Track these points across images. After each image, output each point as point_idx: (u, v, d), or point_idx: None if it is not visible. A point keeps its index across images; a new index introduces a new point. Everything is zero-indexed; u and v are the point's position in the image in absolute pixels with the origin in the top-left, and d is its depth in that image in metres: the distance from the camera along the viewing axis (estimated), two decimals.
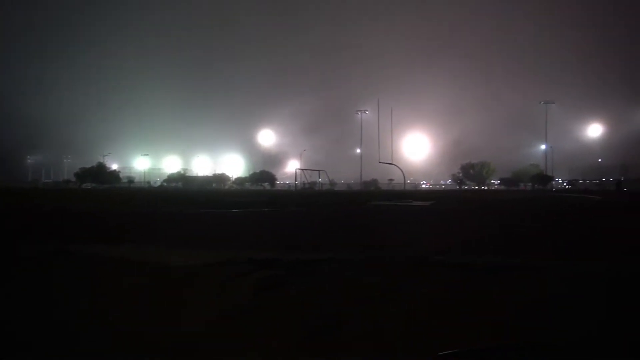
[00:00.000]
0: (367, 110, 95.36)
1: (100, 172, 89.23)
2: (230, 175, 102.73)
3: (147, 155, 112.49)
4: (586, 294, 4.11)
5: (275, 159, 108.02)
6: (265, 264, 5.49)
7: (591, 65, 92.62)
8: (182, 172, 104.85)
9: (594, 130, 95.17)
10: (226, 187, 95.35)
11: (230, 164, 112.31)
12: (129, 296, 4.34)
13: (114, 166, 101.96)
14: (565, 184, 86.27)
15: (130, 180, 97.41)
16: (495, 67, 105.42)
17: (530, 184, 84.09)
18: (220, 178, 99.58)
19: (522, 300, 3.93)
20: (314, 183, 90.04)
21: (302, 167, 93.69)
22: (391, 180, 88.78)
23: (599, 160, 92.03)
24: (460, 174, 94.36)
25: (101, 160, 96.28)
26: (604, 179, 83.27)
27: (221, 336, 3.27)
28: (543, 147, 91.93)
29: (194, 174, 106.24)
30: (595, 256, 6.61)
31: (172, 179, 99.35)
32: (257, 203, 23.48)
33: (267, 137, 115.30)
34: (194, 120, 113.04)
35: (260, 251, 6.42)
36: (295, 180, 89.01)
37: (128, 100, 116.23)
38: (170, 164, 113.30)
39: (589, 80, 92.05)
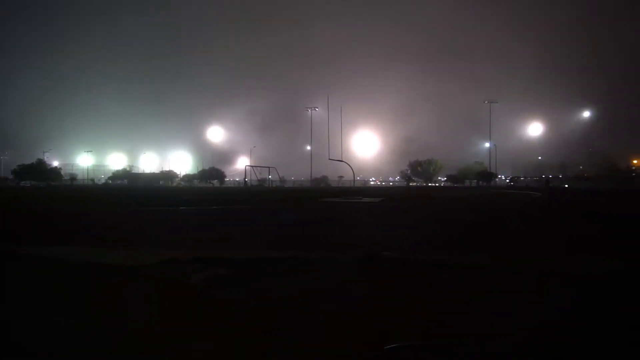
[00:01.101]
0: (317, 108, 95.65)
1: (39, 169, 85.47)
2: (178, 172, 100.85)
3: (91, 151, 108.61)
4: (523, 292, 4.20)
5: (224, 156, 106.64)
6: (212, 263, 5.35)
7: (534, 67, 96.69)
8: (128, 169, 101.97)
9: (535, 129, 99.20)
10: (174, 184, 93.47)
11: (178, 161, 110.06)
12: (65, 297, 4.10)
13: (55, 163, 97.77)
14: (508, 180, 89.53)
15: (73, 178, 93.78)
16: (444, 67, 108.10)
17: (475, 180, 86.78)
18: (168, 175, 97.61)
19: (460, 296, 3.97)
20: (263, 180, 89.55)
21: (252, 164, 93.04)
22: (341, 177, 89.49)
23: (539, 158, 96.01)
24: (409, 171, 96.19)
25: (41, 157, 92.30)
26: (543, 176, 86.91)
27: (160, 338, 3.13)
28: (487, 145, 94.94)
29: (141, 171, 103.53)
30: (540, 254, 6.81)
31: (117, 176, 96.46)
32: (205, 201, 23.08)
33: (216, 134, 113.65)
34: (141, 117, 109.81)
35: (207, 250, 6.25)
36: (245, 178, 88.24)
37: (72, 97, 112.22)
38: (115, 161, 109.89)
39: (531, 81, 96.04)
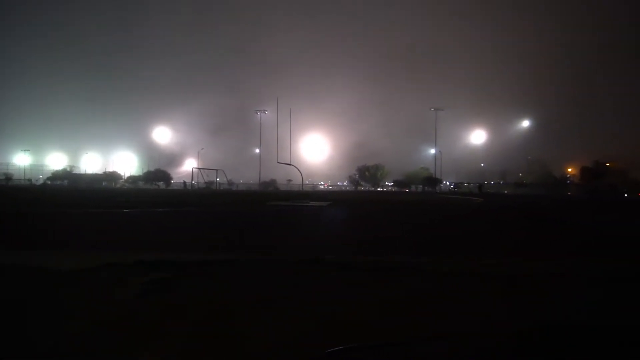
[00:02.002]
0: (266, 111, 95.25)
1: None
2: (122, 174, 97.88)
3: (28, 150, 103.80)
4: (455, 292, 4.33)
5: (171, 157, 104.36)
6: (154, 265, 5.23)
7: (479, 77, 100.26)
8: (68, 169, 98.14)
9: (479, 137, 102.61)
10: (117, 185, 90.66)
11: (123, 162, 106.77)
12: None
13: None
14: (452, 186, 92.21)
15: (8, 177, 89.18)
16: (393, 75, 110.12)
17: (420, 185, 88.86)
18: (112, 176, 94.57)
19: (395, 297, 4.06)
20: (211, 183, 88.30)
21: (200, 167, 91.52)
22: (290, 180, 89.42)
23: (482, 165, 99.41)
24: (357, 176, 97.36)
25: None
26: (485, 182, 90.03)
27: (97, 344, 3.02)
28: (433, 151, 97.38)
29: (82, 172, 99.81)
30: (477, 255, 7.04)
31: (56, 176, 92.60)
32: (149, 203, 22.51)
33: (163, 135, 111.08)
34: (84, 116, 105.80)
35: (149, 252, 6.10)
36: (192, 180, 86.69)
37: (7, 93, 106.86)
38: (55, 161, 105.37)
39: (476, 90, 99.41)
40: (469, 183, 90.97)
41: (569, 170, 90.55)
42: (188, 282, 4.60)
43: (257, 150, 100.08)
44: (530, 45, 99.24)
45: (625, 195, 53.74)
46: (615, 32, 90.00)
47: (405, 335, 3.12)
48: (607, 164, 74.56)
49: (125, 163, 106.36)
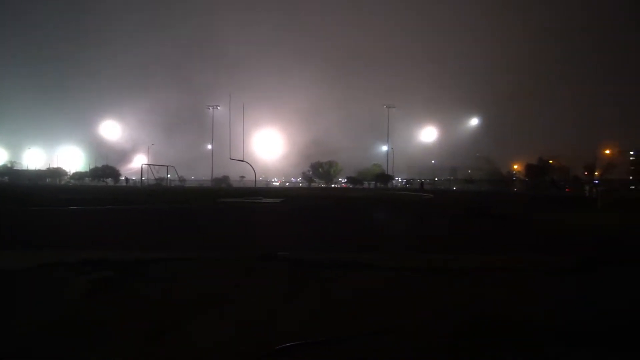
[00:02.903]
0: (219, 106, 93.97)
1: None
2: (67, 170, 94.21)
3: None
4: (406, 287, 4.44)
5: (121, 153, 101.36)
6: (101, 264, 5.10)
7: (431, 75, 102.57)
8: (9, 165, 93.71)
9: (430, 134, 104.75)
10: (62, 182, 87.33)
11: (68, 158, 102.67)
12: None
13: None
14: (404, 182, 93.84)
15: None
16: (347, 72, 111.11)
17: (373, 182, 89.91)
18: (56, 172, 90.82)
19: (345, 293, 4.12)
20: (162, 179, 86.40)
21: (150, 163, 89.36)
22: (242, 177, 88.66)
23: (433, 162, 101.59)
24: (310, 172, 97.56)
25: None
26: (436, 179, 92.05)
27: (40, 346, 2.93)
28: (385, 148, 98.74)
29: (24, 167, 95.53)
30: (427, 251, 7.22)
31: None
32: (95, 200, 21.86)
33: (112, 130, 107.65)
34: (27, 110, 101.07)
35: (96, 251, 5.94)
36: (142, 177, 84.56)
37: None
38: None
39: (427, 88, 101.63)
40: (421, 179, 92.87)
41: (515, 167, 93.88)
42: (133, 281, 4.51)
43: (210, 147, 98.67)
44: (480, 44, 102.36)
45: (567, 190, 56.12)
46: (560, 32, 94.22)
47: (347, 331, 3.18)
48: (550, 161, 77.67)
49: (70, 159, 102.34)
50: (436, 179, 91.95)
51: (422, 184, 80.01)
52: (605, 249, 7.79)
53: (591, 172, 71.18)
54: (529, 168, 76.79)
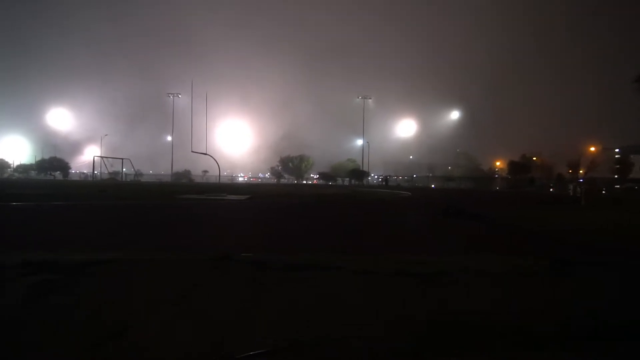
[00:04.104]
0: (179, 94, 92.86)
1: None
2: (10, 162, 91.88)
3: None
4: (371, 290, 4.53)
5: (71, 144, 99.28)
6: (44, 267, 5.04)
7: (408, 66, 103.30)
8: None
9: (408, 128, 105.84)
10: (5, 175, 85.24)
11: (11, 148, 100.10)
12: None
13: None
14: (380, 179, 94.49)
15: None
16: (321, 63, 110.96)
17: (347, 178, 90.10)
18: None
19: (308, 298, 4.18)
20: (116, 173, 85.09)
21: (103, 155, 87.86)
22: (206, 172, 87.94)
23: (410, 157, 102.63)
24: (280, 167, 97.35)
25: None
26: (414, 175, 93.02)
27: None
28: (360, 142, 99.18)
29: None
30: (400, 252, 7.34)
31: None
32: (41, 195, 21.43)
33: (61, 119, 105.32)
34: None
35: (40, 252, 5.86)
36: (94, 170, 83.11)
37: None
38: None
39: (405, 80, 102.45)
40: (397, 176, 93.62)
41: (497, 163, 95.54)
42: (79, 284, 4.48)
43: (169, 138, 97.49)
44: (461, 35, 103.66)
45: (552, 189, 57.39)
46: (545, 24, 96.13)
47: (309, 337, 3.23)
48: (534, 158, 79.33)
49: (14, 149, 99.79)
50: (414, 175, 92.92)
51: (386, 180, 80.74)
52: (585, 248, 8.06)
53: (575, 170, 73.00)
54: (511, 165, 78.28)
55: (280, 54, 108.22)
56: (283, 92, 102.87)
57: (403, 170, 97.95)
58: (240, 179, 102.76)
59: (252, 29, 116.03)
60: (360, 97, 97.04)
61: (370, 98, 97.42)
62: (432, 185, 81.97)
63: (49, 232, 9.17)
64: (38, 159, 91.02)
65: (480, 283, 4.86)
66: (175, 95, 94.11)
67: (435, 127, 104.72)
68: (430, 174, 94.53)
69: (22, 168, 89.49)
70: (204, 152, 76.22)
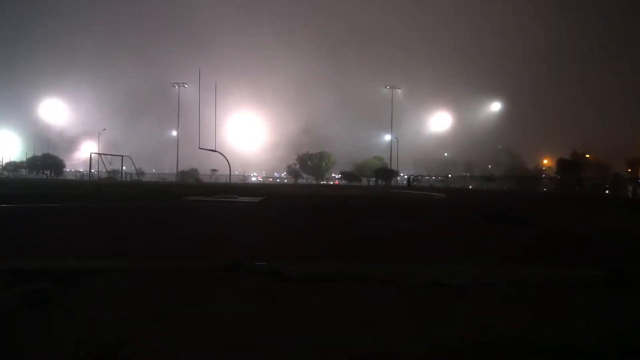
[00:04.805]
0: (185, 84, 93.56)
1: None
2: None
3: None
4: (399, 304, 4.47)
5: (66, 140, 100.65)
6: (34, 275, 5.08)
7: (441, 52, 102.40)
8: None
9: (442, 121, 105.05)
10: None
11: (0, 144, 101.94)
12: None
13: None
14: (411, 179, 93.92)
15: None
16: (343, 50, 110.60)
17: (373, 178, 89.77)
18: None
19: (329, 313, 4.14)
20: (116, 172, 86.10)
21: (101, 152, 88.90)
22: (215, 171, 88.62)
23: (445, 154, 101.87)
24: (297, 166, 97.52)
25: None
26: (449, 175, 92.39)
27: None
28: (388, 137, 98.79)
29: None
30: (432, 260, 7.26)
31: None
32: (32, 196, 21.74)
33: (55, 112, 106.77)
34: None
35: (30, 259, 5.92)
36: (91, 168, 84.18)
37: None
38: None
39: (438, 68, 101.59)
40: (429, 176, 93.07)
41: (545, 162, 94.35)
42: (73, 294, 4.51)
43: (174, 133, 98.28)
44: (502, 16, 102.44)
45: (607, 191, 56.57)
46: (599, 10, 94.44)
47: (327, 358, 3.19)
48: (587, 156, 78.30)
49: (3, 145, 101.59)
50: (449, 175, 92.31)
51: (409, 180, 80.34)
52: None
53: (635, 170, 71.82)
54: (560, 163, 77.25)
55: (298, 39, 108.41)
56: (301, 82, 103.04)
57: (436, 169, 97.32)
58: (254, 178, 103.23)
59: (266, 11, 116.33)
60: (388, 87, 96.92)
61: (399, 88, 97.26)
62: (470, 186, 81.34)
63: (38, 237, 9.26)
64: (29, 155, 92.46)
65: (523, 296, 4.77)
66: (180, 85, 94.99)
67: (474, 121, 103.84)
68: (467, 174, 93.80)
69: (12, 166, 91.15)
70: (213, 148, 76.73)
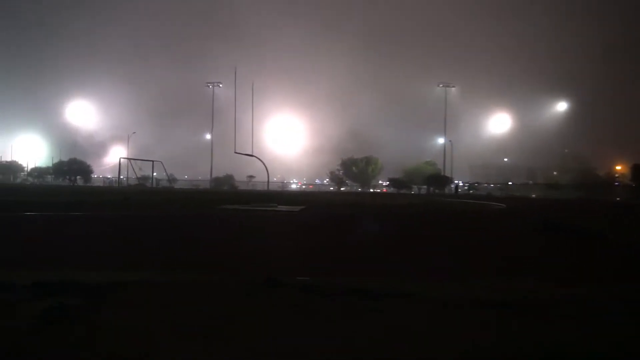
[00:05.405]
0: (220, 84, 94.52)
1: None
2: (24, 164, 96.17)
3: None
4: (446, 326, 4.40)
5: (94, 144, 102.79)
6: (59, 288, 5.18)
7: (501, 47, 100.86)
8: None
9: (501, 123, 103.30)
10: (17, 180, 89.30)
11: (25, 149, 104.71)
12: None
13: None
14: (466, 187, 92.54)
15: None
16: (393, 46, 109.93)
17: (424, 186, 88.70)
18: (9, 168, 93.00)
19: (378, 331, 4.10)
20: (145, 178, 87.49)
21: (130, 157, 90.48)
22: (251, 177, 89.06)
23: (505, 159, 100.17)
24: (341, 172, 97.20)
25: None
26: (510, 183, 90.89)
27: None
28: (441, 141, 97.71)
29: None
30: (484, 277, 7.15)
31: None
32: (58, 204, 22.27)
33: (82, 115, 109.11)
34: None
35: (55, 271, 6.06)
36: (120, 174, 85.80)
37: None
38: None
39: (496, 64, 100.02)
40: (487, 184, 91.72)
41: (618, 168, 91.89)
42: (98, 310, 4.57)
43: (208, 137, 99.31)
44: (568, 6, 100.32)
45: None
46: None
47: None
48: None
49: (29, 150, 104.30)
50: (509, 182, 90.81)
51: (456, 188, 79.25)
52: None
53: None
54: (635, 170, 75.06)
55: (342, 36, 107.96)
56: (346, 82, 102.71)
57: (495, 175, 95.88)
58: (294, 185, 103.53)
59: (307, 5, 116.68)
60: (441, 85, 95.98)
61: (453, 86, 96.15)
62: (533, 195, 79.84)
63: (62, 248, 9.47)
64: (56, 160, 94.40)
65: (590, 317, 4.65)
66: (215, 84, 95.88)
67: (537, 123, 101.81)
68: (530, 181, 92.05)
69: (38, 172, 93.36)
70: (250, 153, 77.18)
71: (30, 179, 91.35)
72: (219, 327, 4.16)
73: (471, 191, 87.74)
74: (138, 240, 11.00)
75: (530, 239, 12.81)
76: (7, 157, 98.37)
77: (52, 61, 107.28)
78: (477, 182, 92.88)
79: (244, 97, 71.26)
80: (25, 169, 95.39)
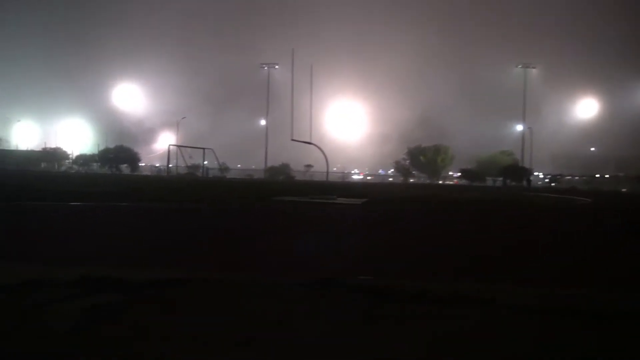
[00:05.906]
0: (276, 65, 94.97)
1: None
2: (69, 152, 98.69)
3: None
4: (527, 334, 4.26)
5: (142, 130, 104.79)
6: (103, 285, 5.26)
7: (589, 24, 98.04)
8: None
9: (588, 109, 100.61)
10: (62, 168, 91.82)
11: (70, 135, 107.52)
12: None
13: None
14: (547, 179, 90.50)
15: None
16: (466, 20, 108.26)
17: (500, 178, 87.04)
18: (53, 155, 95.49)
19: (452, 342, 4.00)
20: (196, 167, 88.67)
21: (179, 144, 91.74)
22: (309, 167, 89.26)
23: (592, 149, 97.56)
24: (407, 162, 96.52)
25: None
26: (597, 175, 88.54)
27: None
28: (519, 128, 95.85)
29: (13, 147, 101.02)
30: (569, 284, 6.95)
31: None
32: (104, 194, 22.78)
33: (130, 99, 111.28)
34: (16, 71, 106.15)
35: (99, 266, 6.15)
36: (169, 163, 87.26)
37: None
38: None
39: (584, 42, 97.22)
40: (571, 176, 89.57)
41: None
42: (143, 309, 4.61)
43: (263, 122, 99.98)
44: None
45: None
46: None
47: None
48: None
49: (73, 136, 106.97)
50: (596, 175, 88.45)
51: (528, 180, 77.50)
52: None
53: None
54: None
55: (410, 12, 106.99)
56: (413, 64, 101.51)
57: (580, 167, 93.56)
58: (355, 176, 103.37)
59: None
60: (520, 66, 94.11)
61: (534, 67, 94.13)
62: (623, 189, 77.56)
63: (111, 241, 9.66)
64: (102, 147, 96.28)
65: None
66: (271, 66, 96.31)
67: (629, 109, 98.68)
68: (622, 174, 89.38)
69: (83, 159, 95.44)
70: (308, 140, 77.40)
71: (75, 166, 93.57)
72: (270, 330, 4.13)
73: (553, 184, 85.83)
74: (189, 235, 11.11)
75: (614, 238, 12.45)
76: (52, 144, 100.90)
77: (99, 43, 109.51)
78: (559, 174, 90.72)
79: (302, 81, 71.48)
80: (70, 156, 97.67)
